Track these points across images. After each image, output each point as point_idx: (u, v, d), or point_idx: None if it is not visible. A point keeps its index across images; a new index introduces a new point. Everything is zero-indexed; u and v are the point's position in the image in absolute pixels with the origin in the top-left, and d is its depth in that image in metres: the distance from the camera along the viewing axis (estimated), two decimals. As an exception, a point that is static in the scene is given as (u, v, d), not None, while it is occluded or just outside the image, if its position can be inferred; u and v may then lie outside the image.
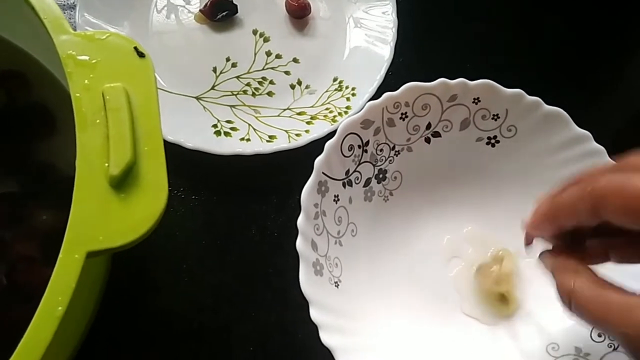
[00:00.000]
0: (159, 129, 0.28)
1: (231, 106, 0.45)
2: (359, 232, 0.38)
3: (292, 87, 0.46)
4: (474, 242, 0.40)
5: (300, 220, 0.33)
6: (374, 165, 0.39)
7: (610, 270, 0.26)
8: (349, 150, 0.37)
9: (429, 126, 0.39)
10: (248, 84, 0.46)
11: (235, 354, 0.38)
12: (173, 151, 0.35)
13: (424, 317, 0.38)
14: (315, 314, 0.31)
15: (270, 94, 0.46)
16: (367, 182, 0.39)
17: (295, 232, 0.33)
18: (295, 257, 0.32)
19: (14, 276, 0.32)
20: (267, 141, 0.42)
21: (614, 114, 0.49)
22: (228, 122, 0.43)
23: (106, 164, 0.26)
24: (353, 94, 0.44)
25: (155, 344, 0.38)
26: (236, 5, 0.48)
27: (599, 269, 0.25)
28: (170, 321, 0.38)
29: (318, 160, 0.35)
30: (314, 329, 0.31)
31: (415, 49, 0.49)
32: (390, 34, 0.46)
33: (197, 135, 0.41)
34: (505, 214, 0.39)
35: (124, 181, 0.26)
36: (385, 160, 0.39)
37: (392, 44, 0.46)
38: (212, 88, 0.46)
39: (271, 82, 0.46)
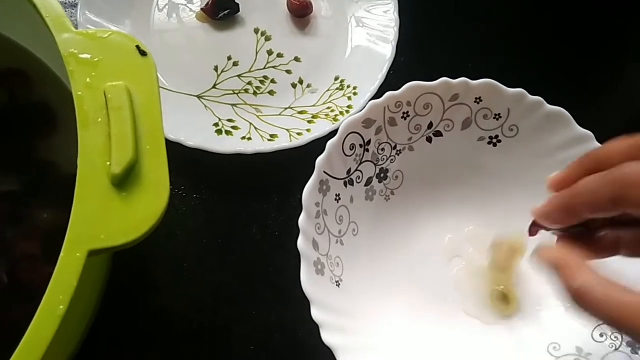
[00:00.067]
0: (161, 127, 0.27)
1: (232, 105, 0.45)
2: (361, 232, 0.38)
3: (294, 86, 0.46)
4: (476, 242, 0.40)
5: (302, 220, 0.33)
6: (375, 165, 0.39)
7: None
8: (351, 150, 0.36)
9: (430, 126, 0.39)
10: (249, 83, 0.46)
11: (236, 354, 0.38)
12: (174, 150, 0.35)
13: (425, 316, 0.38)
14: (316, 314, 0.31)
15: (271, 92, 0.46)
16: (369, 182, 0.39)
17: (296, 232, 0.33)
18: (296, 257, 0.32)
19: (16, 275, 0.32)
20: (269, 140, 0.42)
21: (614, 114, 0.49)
22: (229, 121, 0.43)
23: (108, 163, 0.26)
24: (355, 93, 0.44)
25: (156, 344, 0.38)
26: (238, 4, 0.48)
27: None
28: (171, 320, 0.38)
29: (320, 160, 0.35)
30: (314, 328, 0.31)
31: (416, 49, 0.49)
32: (392, 33, 0.46)
33: (198, 134, 0.41)
34: (507, 214, 0.39)
35: (125, 180, 0.26)
36: (387, 159, 0.39)
37: (394, 43, 0.46)
38: (214, 87, 0.46)
39: (273, 81, 0.46)
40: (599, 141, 0.37)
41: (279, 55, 0.47)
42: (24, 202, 0.34)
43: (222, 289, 0.39)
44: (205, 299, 0.39)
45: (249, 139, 0.42)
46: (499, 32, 0.52)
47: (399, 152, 0.39)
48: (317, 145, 0.37)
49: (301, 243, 0.32)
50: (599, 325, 0.35)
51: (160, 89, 0.29)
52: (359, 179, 0.38)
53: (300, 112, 0.44)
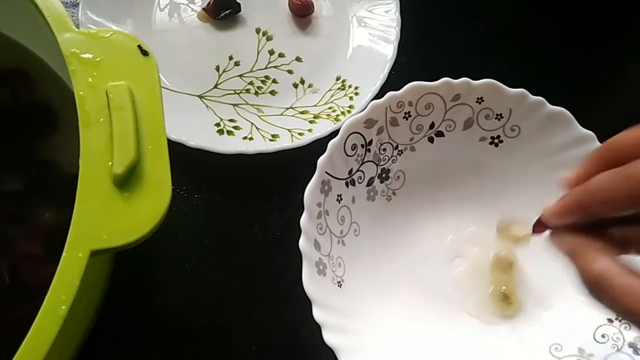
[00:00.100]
0: (162, 127, 0.27)
1: (234, 105, 0.45)
2: (362, 232, 0.38)
3: (295, 86, 0.46)
4: (477, 242, 0.40)
5: (303, 220, 0.33)
6: (377, 165, 0.39)
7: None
8: (352, 150, 0.36)
9: (432, 126, 0.39)
10: (251, 83, 0.46)
11: (237, 354, 0.38)
12: (176, 150, 0.34)
13: (427, 316, 0.37)
14: (318, 314, 0.31)
15: (273, 92, 0.46)
16: (370, 182, 0.39)
17: (297, 232, 0.33)
18: (297, 257, 0.32)
19: (17, 274, 0.32)
20: (270, 140, 0.42)
21: (614, 114, 0.49)
22: (231, 120, 0.43)
23: (110, 163, 0.26)
24: (356, 93, 0.44)
25: (157, 343, 0.38)
26: (239, 4, 0.48)
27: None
28: (172, 321, 0.38)
29: (321, 160, 0.35)
30: (316, 328, 0.31)
31: (417, 49, 0.49)
32: (393, 33, 0.46)
33: (199, 134, 0.41)
34: (509, 214, 0.39)
35: (127, 180, 0.26)
36: (389, 159, 0.39)
37: (396, 43, 0.46)
38: (215, 87, 0.46)
39: (274, 81, 0.46)
40: (600, 141, 0.37)
41: (281, 55, 0.47)
42: (25, 201, 0.34)
43: (223, 289, 0.39)
44: (207, 299, 0.39)
45: (251, 139, 0.42)
46: (499, 32, 0.52)
47: (400, 152, 0.39)
48: (319, 146, 0.37)
49: (303, 243, 0.32)
50: (600, 325, 0.35)
51: (162, 88, 0.29)
52: (360, 179, 0.38)
53: (302, 112, 0.44)
